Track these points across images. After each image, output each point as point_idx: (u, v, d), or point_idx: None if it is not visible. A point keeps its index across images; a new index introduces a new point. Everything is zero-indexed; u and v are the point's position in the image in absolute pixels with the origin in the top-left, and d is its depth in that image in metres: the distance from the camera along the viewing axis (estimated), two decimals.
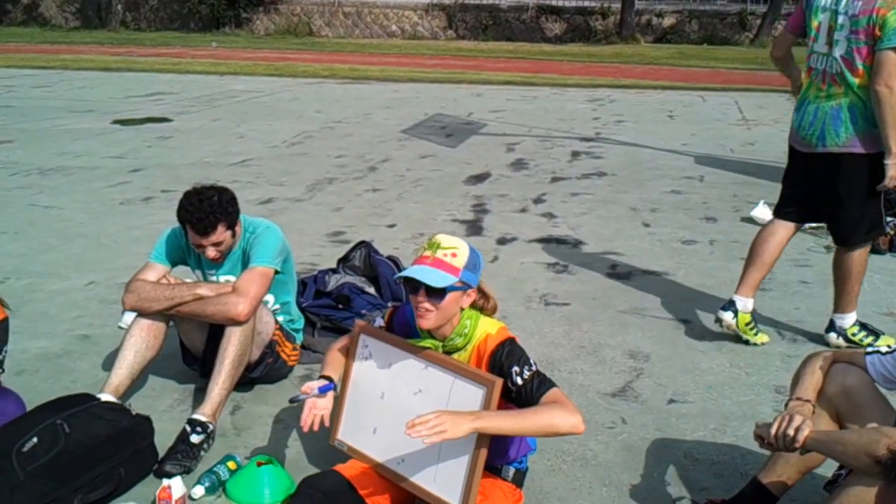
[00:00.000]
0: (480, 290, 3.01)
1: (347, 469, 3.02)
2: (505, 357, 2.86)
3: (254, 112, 13.37)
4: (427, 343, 2.97)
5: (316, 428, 3.02)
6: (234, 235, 3.89)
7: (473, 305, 2.99)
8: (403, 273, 2.87)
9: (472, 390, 2.80)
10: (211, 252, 3.82)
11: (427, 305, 2.85)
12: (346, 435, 3.17)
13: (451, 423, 2.60)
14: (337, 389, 3.14)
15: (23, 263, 5.96)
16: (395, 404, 3.02)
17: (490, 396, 2.75)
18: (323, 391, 3.03)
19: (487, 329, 2.95)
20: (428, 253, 2.88)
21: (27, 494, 2.97)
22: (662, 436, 3.74)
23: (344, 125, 12.23)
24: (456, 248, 2.88)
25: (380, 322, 3.21)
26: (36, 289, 5.48)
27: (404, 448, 2.95)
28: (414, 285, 2.84)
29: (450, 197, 8.04)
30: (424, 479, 2.89)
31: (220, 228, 3.79)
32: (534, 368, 2.86)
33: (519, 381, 2.81)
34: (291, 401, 3.10)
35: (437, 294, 2.83)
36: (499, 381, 2.77)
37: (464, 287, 2.89)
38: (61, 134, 11.23)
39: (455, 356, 2.95)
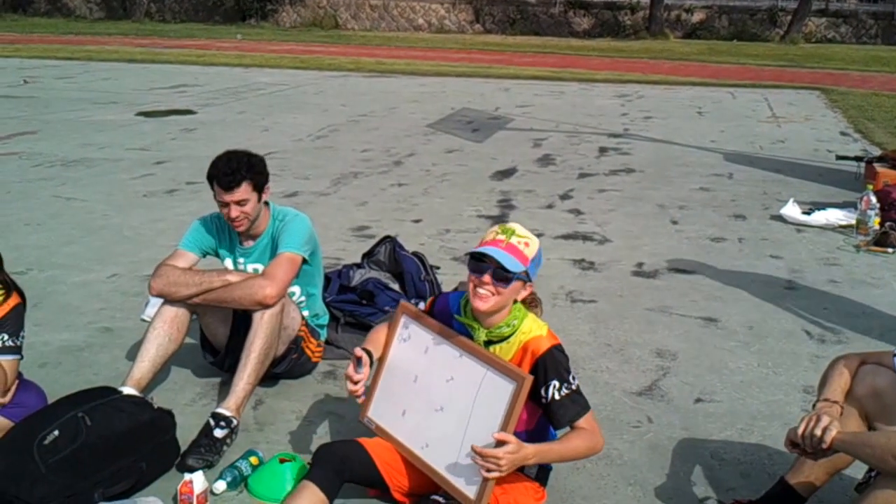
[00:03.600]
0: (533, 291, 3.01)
1: (369, 443, 3.04)
2: (549, 366, 2.85)
3: (279, 105, 13.39)
4: (471, 323, 2.95)
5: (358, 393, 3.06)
6: (259, 200, 3.86)
7: (523, 303, 2.98)
8: (478, 249, 2.85)
9: (501, 384, 2.79)
10: (234, 211, 3.78)
11: (491, 288, 2.84)
12: (376, 414, 3.18)
13: (510, 466, 2.68)
14: (373, 366, 3.16)
15: (45, 255, 5.96)
16: (426, 389, 3.03)
17: (519, 393, 2.74)
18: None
19: (536, 329, 2.93)
20: (502, 237, 2.86)
21: (48, 487, 2.96)
22: (689, 435, 3.69)
23: (369, 119, 12.22)
24: (529, 239, 2.89)
25: (422, 306, 3.23)
26: (58, 281, 5.48)
27: (429, 434, 2.97)
28: (479, 266, 2.84)
29: (476, 192, 7.99)
30: (445, 468, 2.89)
31: (245, 186, 3.77)
32: (573, 386, 2.86)
33: (556, 395, 2.82)
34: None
35: (503, 279, 2.82)
36: (529, 379, 2.76)
37: (527, 279, 2.89)
38: (85, 125, 11.29)
39: (498, 347, 2.93)
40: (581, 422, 2.85)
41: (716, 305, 5.17)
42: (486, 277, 2.82)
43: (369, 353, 3.11)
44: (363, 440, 3.05)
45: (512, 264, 2.80)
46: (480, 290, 2.84)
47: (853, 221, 6.61)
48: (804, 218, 6.84)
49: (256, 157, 3.91)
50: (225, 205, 3.80)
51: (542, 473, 3.07)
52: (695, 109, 13.54)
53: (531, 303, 3.02)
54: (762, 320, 4.94)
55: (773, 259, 6.04)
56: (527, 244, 2.87)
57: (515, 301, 2.93)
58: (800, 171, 8.83)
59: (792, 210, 6.94)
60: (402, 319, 3.19)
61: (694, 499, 3.24)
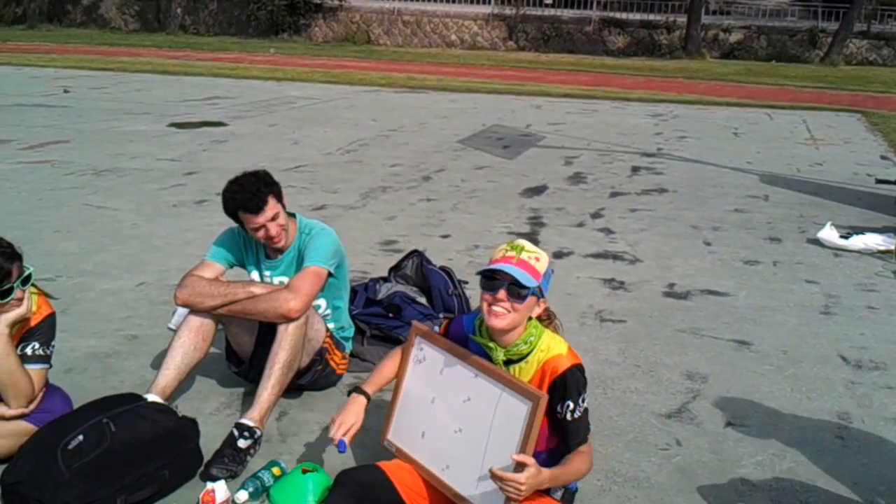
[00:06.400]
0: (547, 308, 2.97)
1: (388, 466, 3.01)
2: (568, 386, 2.81)
3: (309, 119, 13.44)
4: (488, 343, 2.91)
5: (347, 439, 2.99)
6: (284, 209, 3.87)
7: (539, 320, 2.94)
8: (490, 266, 2.81)
9: (517, 405, 2.76)
10: (273, 229, 3.80)
11: (506, 305, 2.80)
12: (395, 436, 3.16)
13: (529, 490, 2.64)
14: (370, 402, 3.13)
15: (74, 262, 5.99)
16: (443, 410, 2.99)
17: (534, 412, 2.70)
18: (341, 449, 3.00)
19: (555, 347, 2.88)
20: (512, 254, 2.83)
21: (71, 492, 2.96)
22: (718, 460, 3.61)
23: (399, 134, 12.22)
24: (539, 254, 2.86)
25: (437, 329, 3.18)
26: (87, 288, 5.49)
27: (449, 455, 2.94)
28: (493, 284, 2.80)
29: (505, 209, 7.94)
30: (466, 489, 2.86)
31: (271, 201, 3.79)
32: (582, 407, 2.82)
33: (569, 416, 2.80)
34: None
35: (517, 295, 2.78)
36: (545, 398, 2.72)
37: (540, 294, 2.86)
38: (117, 135, 11.38)
39: (517, 367, 2.89)
40: (586, 446, 2.85)
41: (749, 328, 5.08)
42: (501, 294, 2.79)
43: (365, 393, 3.09)
44: (383, 464, 3.02)
45: (525, 279, 2.77)
46: (496, 308, 2.81)
47: (892, 247, 6.50)
48: (842, 242, 6.73)
49: (262, 171, 3.92)
50: (259, 228, 3.80)
51: (567, 495, 3.02)
52: (731, 130, 13.44)
53: (546, 319, 2.97)
54: (796, 345, 4.85)
55: (809, 283, 5.94)
56: (537, 259, 2.83)
57: (530, 318, 2.89)
58: (838, 195, 8.71)
59: (829, 234, 6.82)
60: (417, 340, 3.15)
61: None
